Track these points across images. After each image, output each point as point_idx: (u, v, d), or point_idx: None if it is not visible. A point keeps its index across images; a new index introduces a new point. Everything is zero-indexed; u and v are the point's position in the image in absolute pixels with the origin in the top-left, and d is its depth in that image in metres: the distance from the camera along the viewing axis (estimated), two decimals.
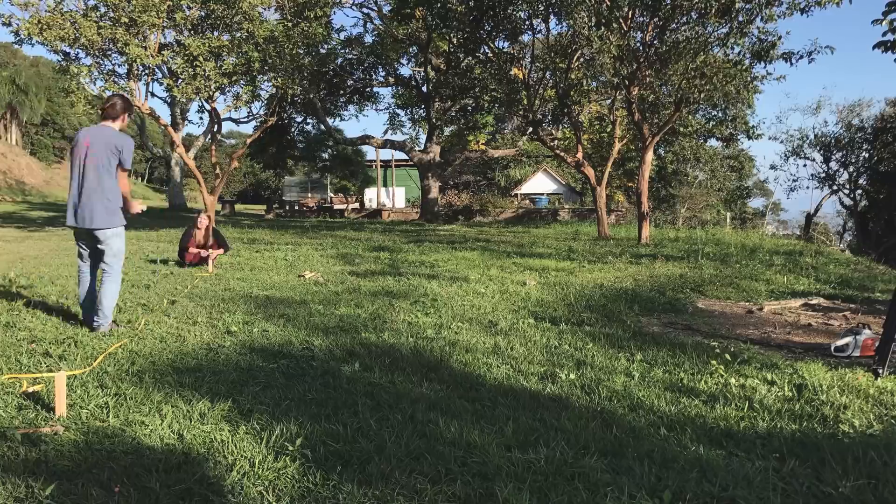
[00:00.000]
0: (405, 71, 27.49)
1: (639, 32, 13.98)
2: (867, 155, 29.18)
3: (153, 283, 7.39)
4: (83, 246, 5.06)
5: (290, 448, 2.84)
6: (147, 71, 16.55)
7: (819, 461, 2.87)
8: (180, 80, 15.73)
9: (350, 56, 24.64)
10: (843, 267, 10.31)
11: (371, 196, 34.32)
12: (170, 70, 16.75)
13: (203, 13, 15.92)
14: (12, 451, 2.79)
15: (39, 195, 41.89)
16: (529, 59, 16.82)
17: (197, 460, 2.74)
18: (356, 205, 33.87)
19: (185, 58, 15.29)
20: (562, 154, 17.70)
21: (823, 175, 30.65)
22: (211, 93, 16.44)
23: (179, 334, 4.95)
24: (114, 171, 4.87)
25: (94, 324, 4.92)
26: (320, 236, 14.83)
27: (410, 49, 25.70)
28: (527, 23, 15.89)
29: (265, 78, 17.55)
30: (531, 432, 3.09)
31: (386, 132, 29.19)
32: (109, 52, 15.54)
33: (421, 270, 8.74)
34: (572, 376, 4.12)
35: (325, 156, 32.97)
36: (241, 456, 2.77)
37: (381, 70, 26.17)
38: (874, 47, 6.55)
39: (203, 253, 8.94)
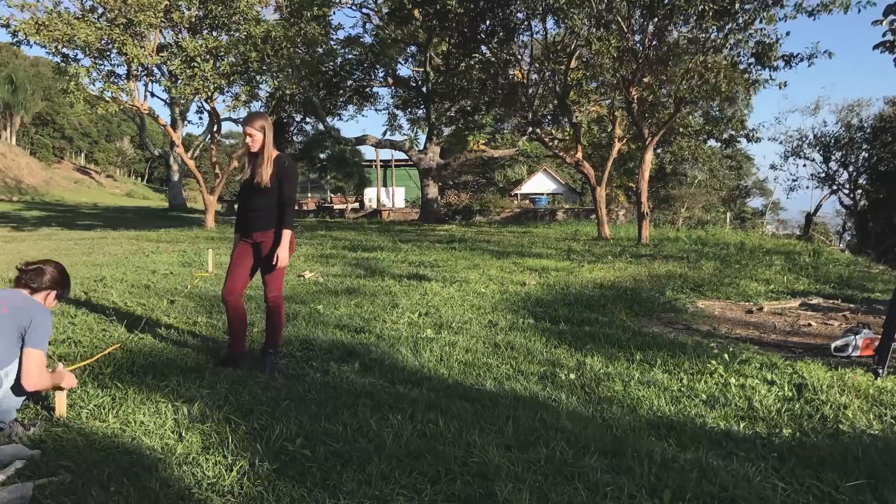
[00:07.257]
0: (404, 71, 27.49)
1: (638, 34, 13.98)
2: (867, 155, 29.17)
3: (153, 283, 7.38)
4: None
5: (290, 448, 2.84)
6: (145, 71, 16.57)
7: (819, 461, 2.87)
8: (179, 81, 15.75)
9: (349, 56, 24.61)
10: (842, 267, 10.31)
11: (371, 196, 34.26)
12: (169, 71, 16.77)
13: (201, 13, 15.94)
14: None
15: (37, 195, 41.86)
16: (528, 60, 16.81)
17: (197, 460, 2.73)
18: (356, 205, 33.84)
19: (183, 59, 15.30)
20: (561, 154, 17.69)
21: (823, 175, 30.64)
22: (210, 93, 16.45)
23: (179, 334, 4.94)
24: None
25: None
26: (319, 237, 14.82)
27: (409, 49, 25.67)
28: (524, 24, 15.88)
29: (263, 78, 17.58)
30: (531, 432, 3.09)
31: (385, 133, 29.16)
32: (108, 53, 15.57)
33: (421, 271, 8.74)
34: (572, 376, 4.12)
35: (324, 156, 32.93)
36: (241, 456, 2.77)
37: (380, 70, 26.13)
38: (874, 48, 6.52)
39: None
